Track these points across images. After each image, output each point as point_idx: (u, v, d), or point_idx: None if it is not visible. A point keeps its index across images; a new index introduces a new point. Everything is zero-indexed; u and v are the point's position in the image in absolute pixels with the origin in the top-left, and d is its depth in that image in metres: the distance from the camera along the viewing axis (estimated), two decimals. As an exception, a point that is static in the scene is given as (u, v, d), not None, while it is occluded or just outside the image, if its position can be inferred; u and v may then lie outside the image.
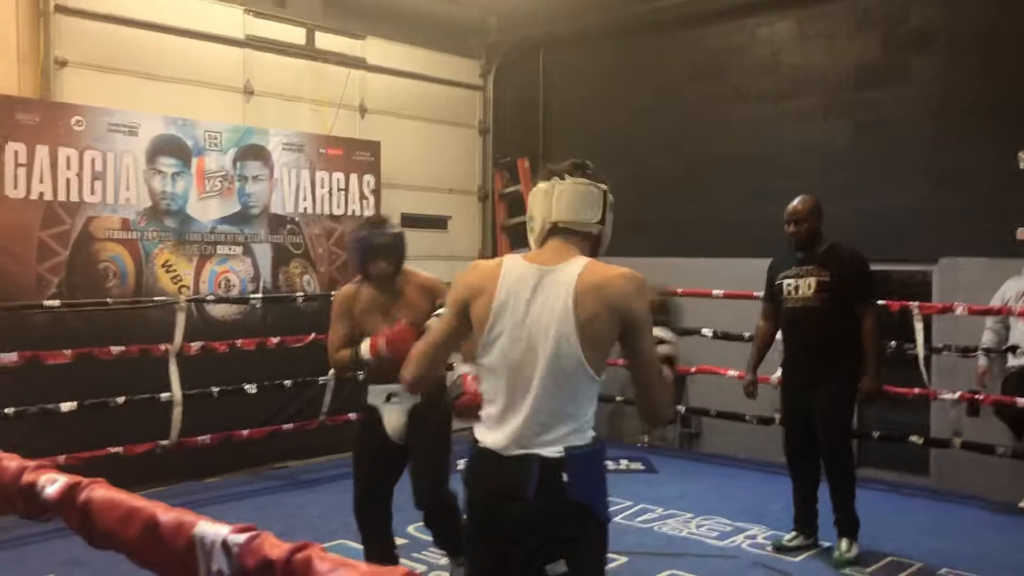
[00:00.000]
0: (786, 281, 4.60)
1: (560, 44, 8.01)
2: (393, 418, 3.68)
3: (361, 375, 3.95)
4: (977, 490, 5.68)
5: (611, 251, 8.07)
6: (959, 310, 5.47)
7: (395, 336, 3.51)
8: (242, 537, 1.06)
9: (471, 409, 2.46)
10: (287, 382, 6.13)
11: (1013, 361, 5.50)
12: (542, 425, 2.16)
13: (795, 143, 6.68)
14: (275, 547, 1.01)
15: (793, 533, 4.73)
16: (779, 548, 4.68)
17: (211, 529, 1.10)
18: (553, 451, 2.15)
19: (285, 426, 6.17)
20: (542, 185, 2.33)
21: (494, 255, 8.32)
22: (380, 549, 3.81)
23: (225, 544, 1.07)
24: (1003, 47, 5.85)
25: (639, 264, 8.27)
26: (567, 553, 2.15)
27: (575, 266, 2.20)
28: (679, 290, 6.65)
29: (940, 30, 6.10)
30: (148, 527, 1.14)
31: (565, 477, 2.14)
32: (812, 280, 4.48)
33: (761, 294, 5.17)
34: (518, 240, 8.25)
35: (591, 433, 2.22)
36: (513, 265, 2.27)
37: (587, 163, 2.34)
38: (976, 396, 5.45)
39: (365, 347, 3.58)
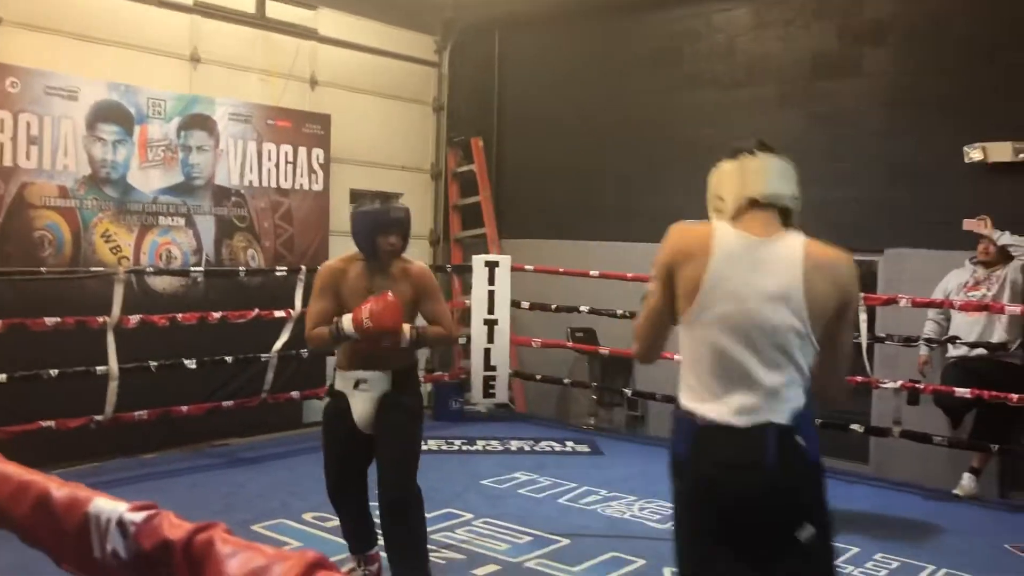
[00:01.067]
0: None
1: (517, 24, 7.91)
2: (361, 406, 3.56)
3: (332, 358, 3.79)
4: (914, 477, 5.78)
5: (563, 234, 8.04)
6: (903, 302, 5.54)
7: (380, 307, 3.36)
8: (140, 516, 0.98)
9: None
10: (228, 358, 5.99)
11: (953, 351, 5.60)
12: (772, 393, 2.17)
13: (748, 131, 6.63)
14: (175, 527, 0.94)
15: None
16: None
17: (107, 506, 1.02)
18: (784, 416, 2.17)
19: (225, 403, 6.03)
20: (728, 164, 2.33)
21: (446, 235, 8.24)
22: (356, 525, 3.78)
23: (121, 522, 0.99)
24: (955, 42, 5.91)
25: (592, 248, 8.31)
26: (810, 514, 2.22)
27: (795, 241, 2.22)
28: (629, 275, 6.68)
29: (894, 23, 6.14)
30: (40, 504, 1.05)
31: (801, 440, 2.17)
32: None
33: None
34: (469, 220, 8.18)
35: (805, 393, 2.25)
36: (725, 233, 2.23)
37: (768, 143, 2.34)
38: (916, 385, 5.53)
39: (348, 320, 3.42)
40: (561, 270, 7.11)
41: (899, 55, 6.12)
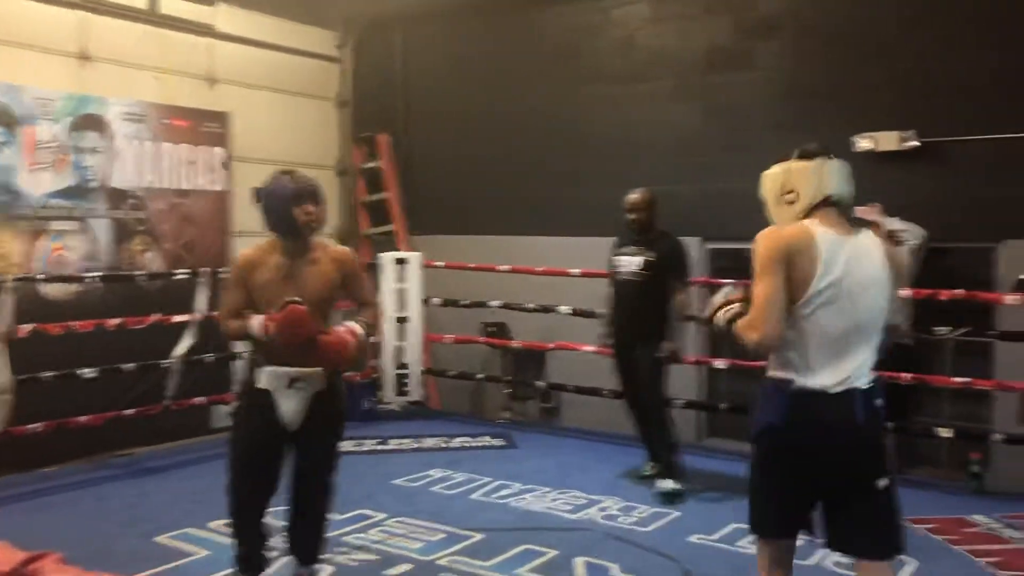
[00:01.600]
0: (621, 257, 5.33)
1: (418, 19, 7.85)
2: (294, 405, 3.43)
3: (248, 356, 3.62)
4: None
5: (472, 230, 8.04)
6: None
7: (287, 320, 3.26)
8: (-32, 550, 0.94)
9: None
10: (128, 365, 5.81)
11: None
12: (863, 365, 2.63)
13: (647, 125, 6.78)
14: (4, 560, 0.90)
15: (650, 464, 5.50)
16: (642, 478, 5.50)
17: (-65, 542, 0.98)
18: (866, 383, 2.62)
19: (126, 412, 5.85)
20: (803, 163, 2.70)
21: (355, 231, 8.15)
22: (253, 547, 3.60)
23: (-52, 559, 0.95)
24: (844, 37, 6.09)
25: (502, 242, 8.27)
26: (885, 464, 2.64)
27: (868, 235, 2.69)
28: (538, 269, 6.73)
29: (786, 17, 6.29)
30: None
31: (878, 402, 2.63)
32: (641, 259, 5.23)
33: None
34: (377, 216, 8.11)
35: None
36: (819, 229, 2.62)
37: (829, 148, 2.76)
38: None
39: (257, 323, 3.32)
40: (472, 266, 7.12)
41: (791, 49, 6.28)
